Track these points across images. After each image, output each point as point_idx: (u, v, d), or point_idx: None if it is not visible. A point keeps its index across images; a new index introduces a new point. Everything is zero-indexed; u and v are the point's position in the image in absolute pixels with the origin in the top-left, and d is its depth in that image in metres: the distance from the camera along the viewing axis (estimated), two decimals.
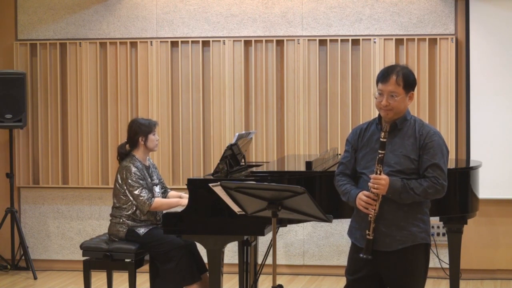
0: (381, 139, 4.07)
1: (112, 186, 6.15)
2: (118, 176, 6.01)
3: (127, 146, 6.14)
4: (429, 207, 4.24)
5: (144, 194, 5.93)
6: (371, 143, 4.18)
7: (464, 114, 7.40)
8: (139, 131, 6.09)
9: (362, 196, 4.10)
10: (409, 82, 4.15)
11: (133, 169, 5.96)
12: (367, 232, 4.08)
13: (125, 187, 5.96)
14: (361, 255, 4.11)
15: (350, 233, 4.29)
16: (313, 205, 4.11)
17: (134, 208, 5.99)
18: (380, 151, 4.06)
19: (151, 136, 6.10)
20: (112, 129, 7.87)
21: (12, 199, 7.85)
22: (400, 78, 4.12)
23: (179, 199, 6.09)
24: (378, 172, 4.05)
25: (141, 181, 5.95)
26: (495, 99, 7.33)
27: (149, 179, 6.07)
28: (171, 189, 6.50)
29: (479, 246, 7.47)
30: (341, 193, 4.27)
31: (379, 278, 4.20)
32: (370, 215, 4.07)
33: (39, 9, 7.96)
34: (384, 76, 4.14)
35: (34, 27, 7.97)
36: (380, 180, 4.03)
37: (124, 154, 6.12)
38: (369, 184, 4.07)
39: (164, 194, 6.27)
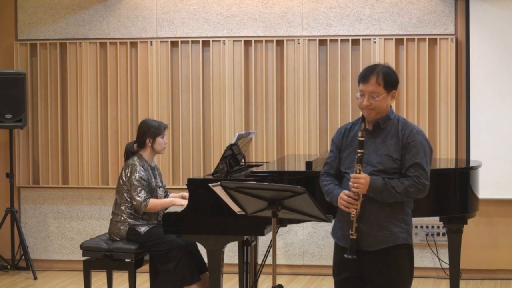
0: (359, 138, 4.05)
1: (112, 186, 6.16)
2: (123, 172, 6.01)
3: (135, 145, 6.14)
4: (411, 208, 4.20)
5: (141, 195, 5.92)
6: (355, 143, 4.14)
7: (464, 114, 7.40)
8: (147, 132, 6.08)
9: (343, 195, 4.07)
10: (390, 82, 4.11)
11: (138, 168, 5.96)
12: (350, 232, 4.06)
13: (128, 185, 5.96)
14: (345, 255, 4.08)
15: (333, 232, 4.27)
16: (313, 205, 4.11)
17: None
18: (358, 150, 4.05)
19: (159, 139, 6.09)
20: (112, 129, 7.87)
21: (12, 199, 7.85)
22: (381, 78, 4.09)
23: (172, 199, 6.07)
24: (358, 171, 4.03)
25: (143, 182, 5.95)
26: (495, 99, 7.33)
27: (153, 179, 6.07)
28: (171, 189, 6.50)
29: (479, 246, 7.47)
30: (325, 193, 4.25)
31: (364, 278, 4.18)
32: (352, 215, 4.05)
33: (39, 9, 7.96)
34: (364, 76, 4.11)
35: (34, 27, 7.98)
36: (359, 179, 4.01)
37: (131, 153, 6.12)
38: (350, 183, 4.05)
39: (166, 197, 6.27)
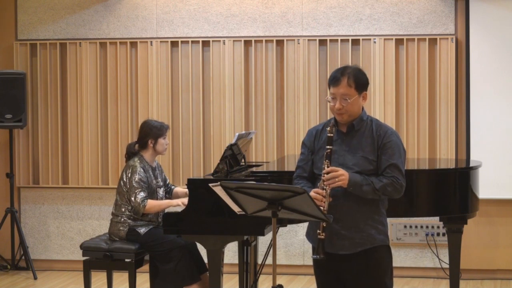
0: (328, 134, 4.02)
1: (112, 186, 6.16)
2: (124, 174, 6.01)
3: (136, 146, 6.13)
4: (386, 207, 4.17)
5: (140, 196, 5.91)
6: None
7: (464, 114, 7.40)
8: (150, 133, 6.07)
9: (312, 193, 4.02)
10: (361, 83, 4.08)
11: (139, 170, 5.96)
12: (318, 231, 4.00)
13: (128, 186, 5.96)
14: (313, 256, 4.03)
15: (308, 235, 4.24)
16: (313, 205, 4.10)
17: None
18: (327, 147, 4.01)
19: (161, 140, 6.09)
20: (112, 129, 7.87)
21: (12, 199, 7.85)
22: (352, 80, 4.05)
23: (170, 201, 6.07)
24: (326, 167, 3.98)
25: (142, 183, 5.94)
26: (495, 99, 7.33)
27: (153, 181, 6.07)
28: None
29: (479, 246, 7.47)
30: None
31: (343, 282, 4.15)
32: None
33: (39, 9, 7.96)
34: (335, 79, 4.07)
35: (34, 27, 7.97)
36: (339, 172, 3.96)
37: (132, 153, 6.12)
38: (322, 177, 3.99)
39: (169, 193, 6.27)
